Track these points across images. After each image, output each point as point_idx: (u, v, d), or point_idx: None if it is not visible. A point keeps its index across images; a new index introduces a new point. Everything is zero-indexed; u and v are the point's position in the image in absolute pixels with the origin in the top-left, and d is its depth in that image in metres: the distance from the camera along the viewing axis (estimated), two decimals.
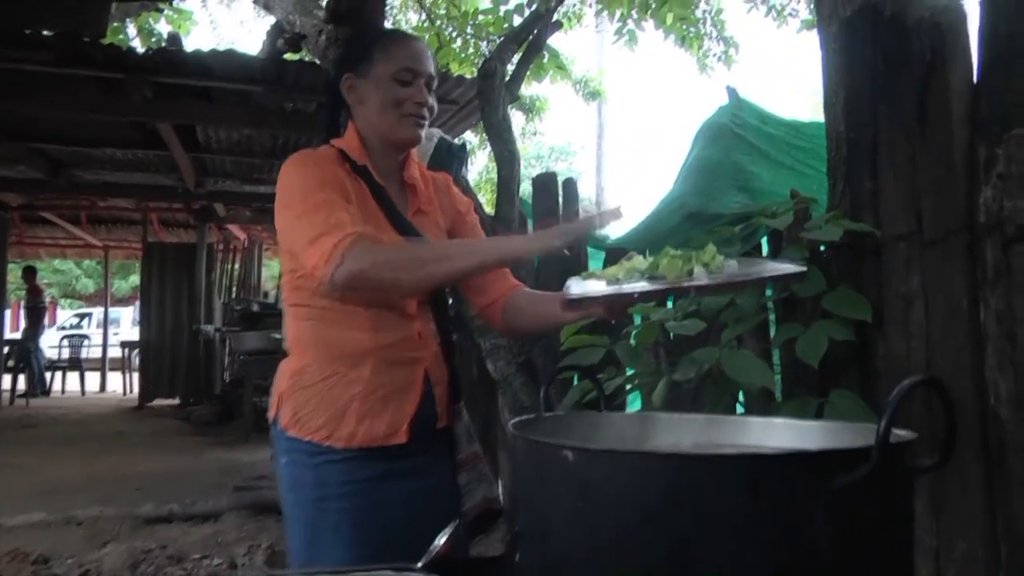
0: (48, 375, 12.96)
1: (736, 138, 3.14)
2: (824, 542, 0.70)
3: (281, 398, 1.57)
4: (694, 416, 1.18)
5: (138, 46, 6.75)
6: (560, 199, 4.16)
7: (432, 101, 1.64)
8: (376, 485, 1.52)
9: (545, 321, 1.73)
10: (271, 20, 4.91)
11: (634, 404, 3.38)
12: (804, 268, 1.24)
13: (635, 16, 5.93)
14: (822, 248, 2.30)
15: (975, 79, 1.91)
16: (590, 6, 7.45)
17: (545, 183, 4.23)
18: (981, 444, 1.77)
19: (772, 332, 2.42)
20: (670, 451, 0.82)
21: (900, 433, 0.80)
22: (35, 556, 3.57)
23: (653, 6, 5.42)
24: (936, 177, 1.93)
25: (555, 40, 5.90)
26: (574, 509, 0.76)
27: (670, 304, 2.71)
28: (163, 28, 7.06)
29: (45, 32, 4.36)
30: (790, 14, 6.32)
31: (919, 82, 1.99)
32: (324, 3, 3.82)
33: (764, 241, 2.66)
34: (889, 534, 0.76)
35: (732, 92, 3.32)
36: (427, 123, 1.65)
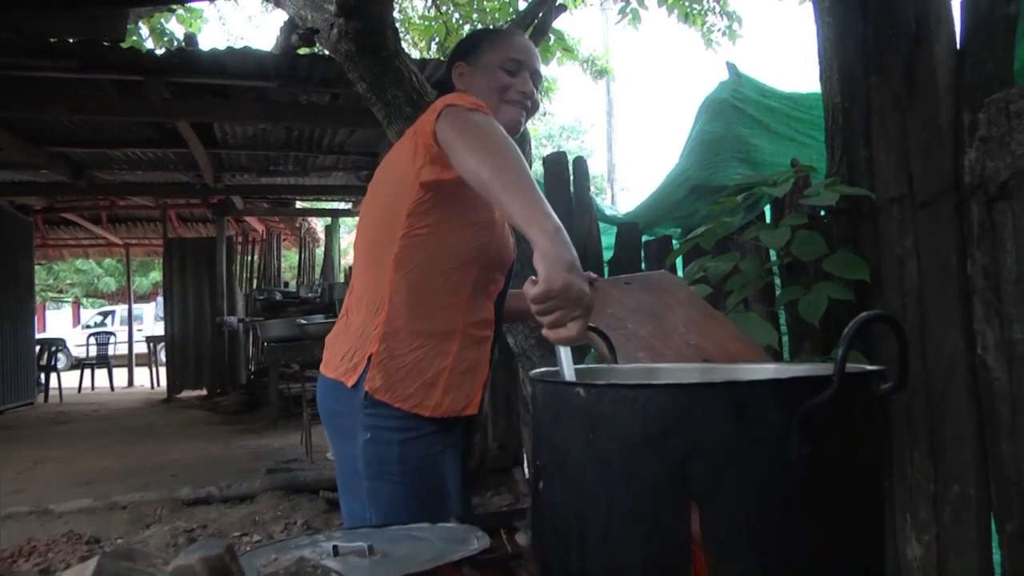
0: (77, 373, 13.23)
1: (737, 112, 3.25)
2: (800, 459, 0.83)
3: (370, 360, 1.56)
4: (694, 365, 1.31)
5: (151, 45, 6.89)
6: (571, 178, 4.28)
7: (537, 96, 1.73)
8: (444, 456, 1.60)
9: (517, 316, 1.90)
10: (279, 15, 5.04)
11: None
12: None
13: None
14: (823, 214, 2.41)
15: (959, 48, 2.01)
16: None
17: (556, 163, 4.34)
18: (972, 394, 1.89)
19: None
20: (666, 383, 0.95)
21: (868, 367, 0.93)
22: (87, 537, 3.77)
23: None
24: (925, 142, 2.04)
25: (561, 20, 5.99)
26: (586, 441, 0.89)
27: (680, 271, 2.84)
28: (174, 27, 7.20)
29: (68, 40, 4.52)
30: None
31: (906, 53, 2.09)
32: None
33: (767, 209, 2.77)
34: (858, 453, 0.88)
35: (732, 68, 3.42)
36: (528, 114, 1.73)
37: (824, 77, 2.53)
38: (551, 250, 1.08)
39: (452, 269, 1.59)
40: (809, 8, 2.62)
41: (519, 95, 1.70)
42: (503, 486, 4.58)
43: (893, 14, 2.15)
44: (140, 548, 0.77)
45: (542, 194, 1.20)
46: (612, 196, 19.59)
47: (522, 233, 1.15)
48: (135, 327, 15.35)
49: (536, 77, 1.75)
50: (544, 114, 14.29)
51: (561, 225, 1.14)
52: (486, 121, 1.37)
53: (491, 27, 2.03)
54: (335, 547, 1.08)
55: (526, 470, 4.55)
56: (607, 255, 3.53)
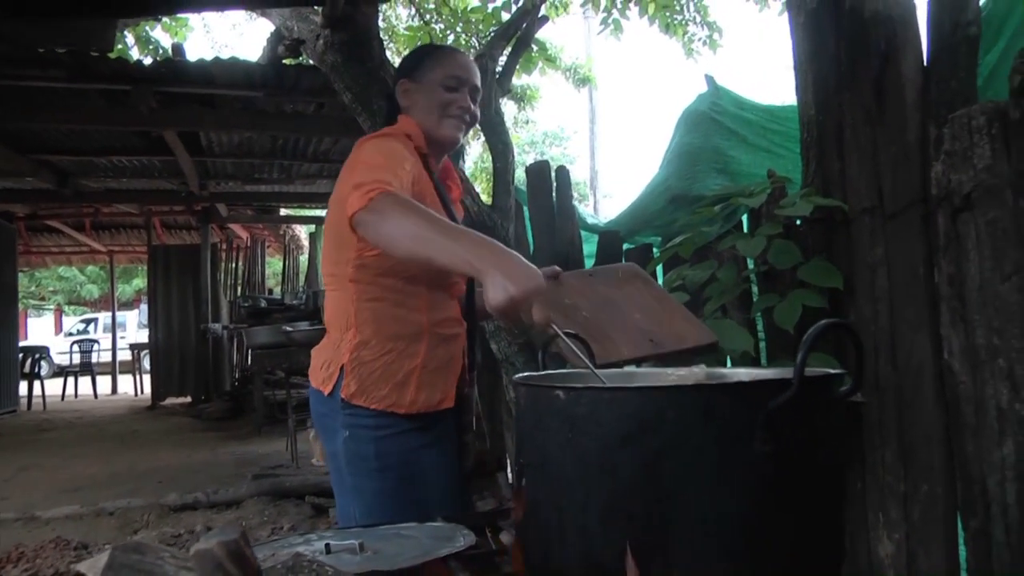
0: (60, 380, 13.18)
1: (715, 124, 3.33)
2: (765, 456, 0.89)
3: (342, 371, 1.69)
4: (670, 370, 1.38)
5: (136, 54, 6.90)
6: (554, 186, 4.34)
7: (475, 109, 1.88)
8: (425, 452, 1.71)
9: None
10: (264, 23, 5.06)
11: None
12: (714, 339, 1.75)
13: (619, 5, 6.10)
14: (798, 223, 2.48)
15: (925, 66, 2.09)
16: None
17: (539, 171, 4.40)
18: (940, 397, 1.97)
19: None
20: (640, 385, 1.01)
21: (828, 371, 1.00)
22: (75, 543, 3.80)
23: None
24: (894, 156, 2.12)
25: (543, 30, 6.07)
26: (566, 440, 0.95)
27: (660, 279, 2.91)
28: (159, 35, 7.19)
29: (58, 50, 4.55)
30: None
31: (876, 69, 2.18)
32: (320, 9, 3.97)
33: (744, 219, 2.84)
34: (820, 451, 0.95)
35: (710, 80, 3.50)
36: (467, 128, 1.87)
37: (800, 91, 2.60)
38: (487, 278, 1.23)
39: (406, 280, 1.71)
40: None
41: (459, 110, 1.83)
42: (487, 491, 4.63)
43: (864, 32, 2.23)
44: (148, 543, 0.83)
45: (454, 228, 1.36)
46: (595, 203, 19.70)
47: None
48: (118, 334, 15.32)
49: (475, 92, 1.88)
50: (527, 121, 14.42)
51: (481, 238, 1.31)
52: (383, 208, 1.40)
53: (436, 46, 2.31)
54: (327, 545, 1.14)
55: (510, 475, 4.59)
56: (589, 263, 3.60)
